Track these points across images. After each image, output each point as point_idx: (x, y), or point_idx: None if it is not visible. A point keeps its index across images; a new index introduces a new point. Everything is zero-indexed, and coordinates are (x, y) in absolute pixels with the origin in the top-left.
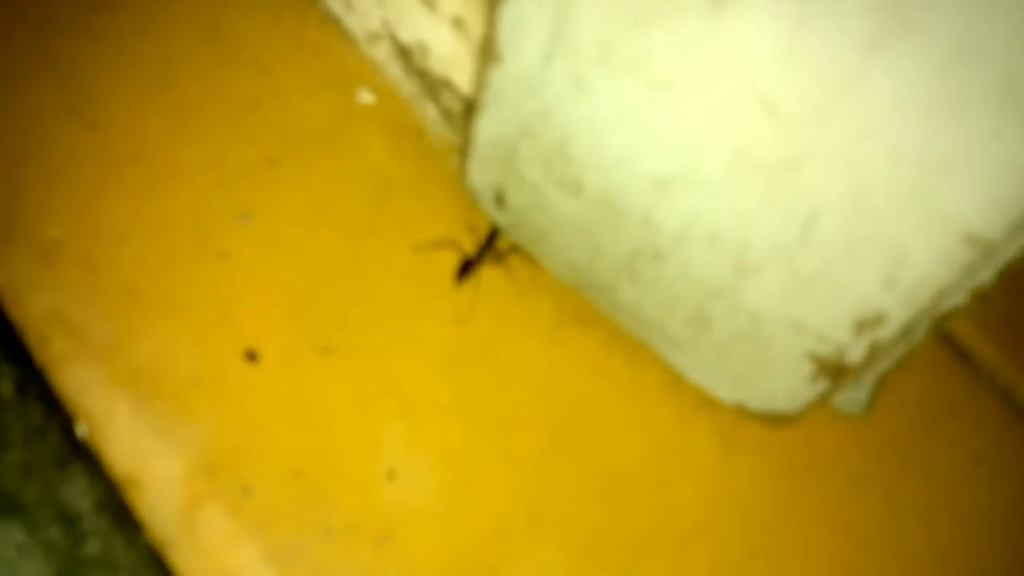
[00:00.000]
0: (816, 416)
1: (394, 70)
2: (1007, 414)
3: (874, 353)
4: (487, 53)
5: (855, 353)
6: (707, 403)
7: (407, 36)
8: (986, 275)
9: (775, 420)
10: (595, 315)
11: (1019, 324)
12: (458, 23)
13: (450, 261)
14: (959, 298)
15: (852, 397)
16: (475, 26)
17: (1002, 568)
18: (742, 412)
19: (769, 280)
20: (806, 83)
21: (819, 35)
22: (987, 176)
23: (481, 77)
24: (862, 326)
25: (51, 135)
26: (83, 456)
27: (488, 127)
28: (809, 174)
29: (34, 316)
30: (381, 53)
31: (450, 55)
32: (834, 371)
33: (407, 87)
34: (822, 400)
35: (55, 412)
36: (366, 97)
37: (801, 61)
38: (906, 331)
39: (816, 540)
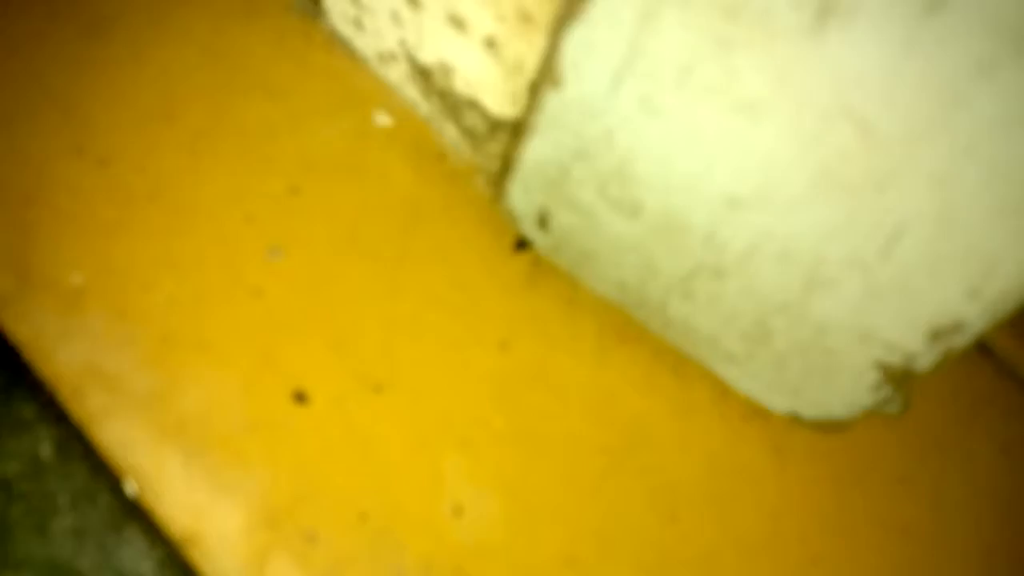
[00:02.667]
0: (861, 420)
1: (410, 91)
2: None
3: (945, 360)
4: (545, 77)
5: (925, 360)
6: (756, 413)
7: (428, 57)
8: None
9: (828, 427)
10: (638, 332)
11: None
12: (490, 44)
13: (487, 286)
14: None
15: (893, 399)
16: (510, 48)
17: None
18: (794, 421)
19: (842, 293)
20: (907, 104)
21: (928, 58)
22: None
23: (533, 100)
24: (938, 335)
25: (59, 174)
26: (137, 516)
27: (538, 150)
28: (898, 192)
29: (66, 370)
30: (396, 74)
31: (478, 76)
32: (899, 378)
33: (425, 108)
34: (874, 406)
35: (101, 471)
36: (383, 119)
37: (905, 84)
38: (976, 338)
39: (873, 542)
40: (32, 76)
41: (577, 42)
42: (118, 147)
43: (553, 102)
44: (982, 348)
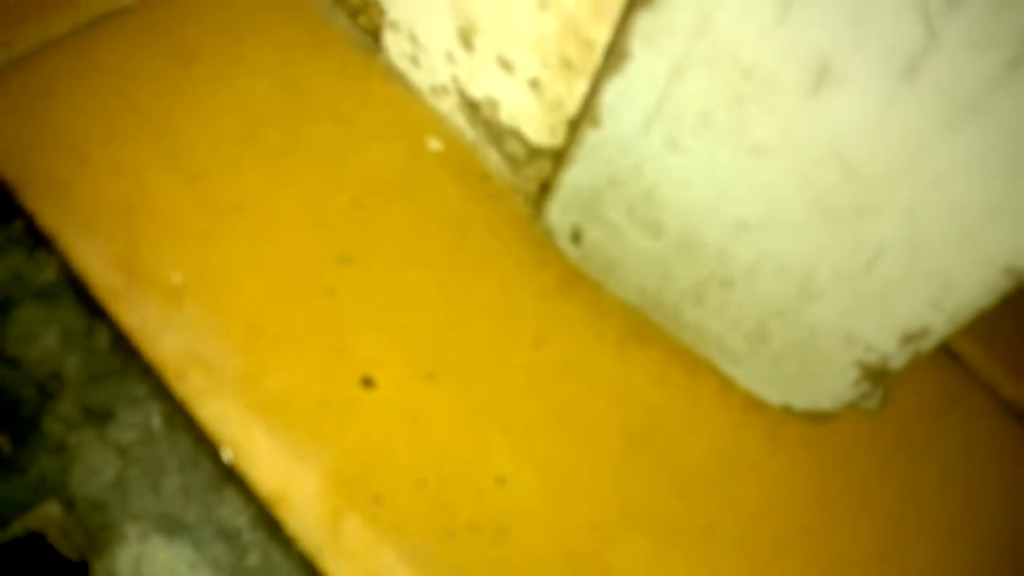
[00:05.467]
0: (843, 413)
1: (459, 120)
2: (992, 405)
3: (915, 360)
4: (585, 116)
5: (898, 360)
6: (755, 406)
7: (476, 92)
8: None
9: (816, 418)
10: (655, 333)
11: (1000, 327)
12: (534, 84)
13: (524, 291)
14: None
15: (871, 395)
16: (552, 88)
17: (1005, 535)
18: (788, 412)
19: (830, 302)
20: (885, 152)
21: (902, 116)
22: None
23: (572, 135)
24: (909, 339)
25: (157, 187)
26: (232, 479)
27: (576, 177)
28: (877, 220)
29: (169, 355)
30: (446, 105)
31: (521, 110)
32: (876, 375)
33: (471, 135)
34: (855, 400)
35: (202, 441)
36: (434, 144)
37: (883, 135)
38: (941, 342)
39: (852, 517)
40: (130, 101)
41: (616, 90)
42: (206, 163)
43: (591, 138)
44: (951, 354)
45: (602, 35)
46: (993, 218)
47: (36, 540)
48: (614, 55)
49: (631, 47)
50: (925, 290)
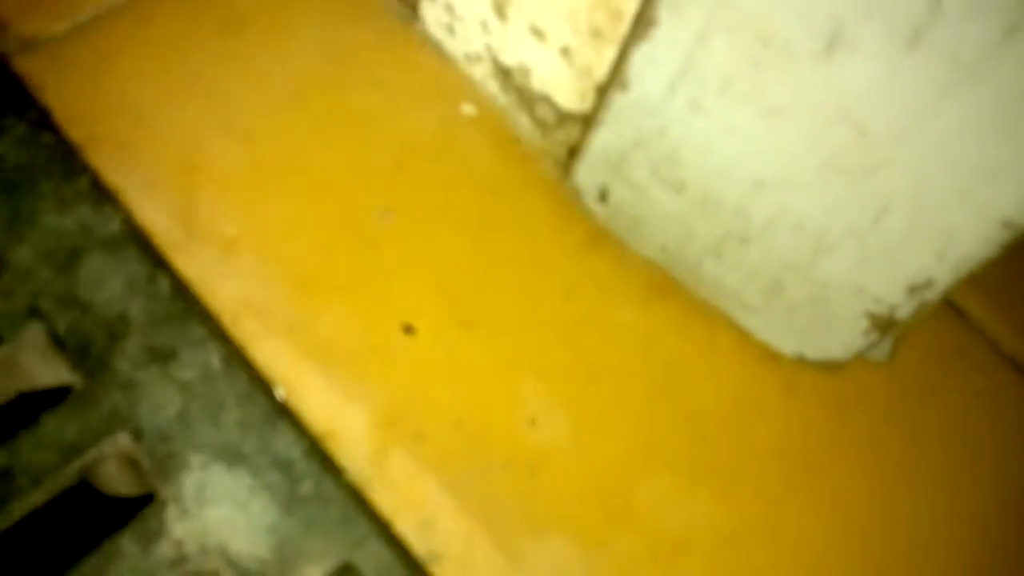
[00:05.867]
0: (853, 364)
1: (492, 86)
2: (996, 359)
3: (920, 310)
4: (613, 81)
5: (905, 311)
6: (771, 356)
7: (509, 59)
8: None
9: (828, 367)
10: (677, 287)
11: (1003, 285)
12: (565, 52)
13: (554, 247)
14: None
15: (880, 347)
16: (582, 55)
17: (1002, 480)
18: (801, 362)
19: (842, 256)
20: (893, 113)
21: (907, 81)
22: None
23: (600, 99)
24: (914, 290)
25: (211, 148)
26: (286, 415)
27: (604, 139)
28: (884, 178)
29: (226, 302)
30: (480, 72)
31: (552, 77)
32: (885, 325)
33: (503, 100)
34: (864, 350)
35: (257, 379)
36: (468, 109)
37: (890, 98)
38: (945, 293)
39: (860, 461)
40: (184, 66)
41: (643, 56)
42: (256, 126)
43: (619, 102)
44: (957, 311)
45: (630, 6)
46: (990, 175)
47: (87, 487)
48: (642, 23)
49: (659, 15)
50: (929, 243)
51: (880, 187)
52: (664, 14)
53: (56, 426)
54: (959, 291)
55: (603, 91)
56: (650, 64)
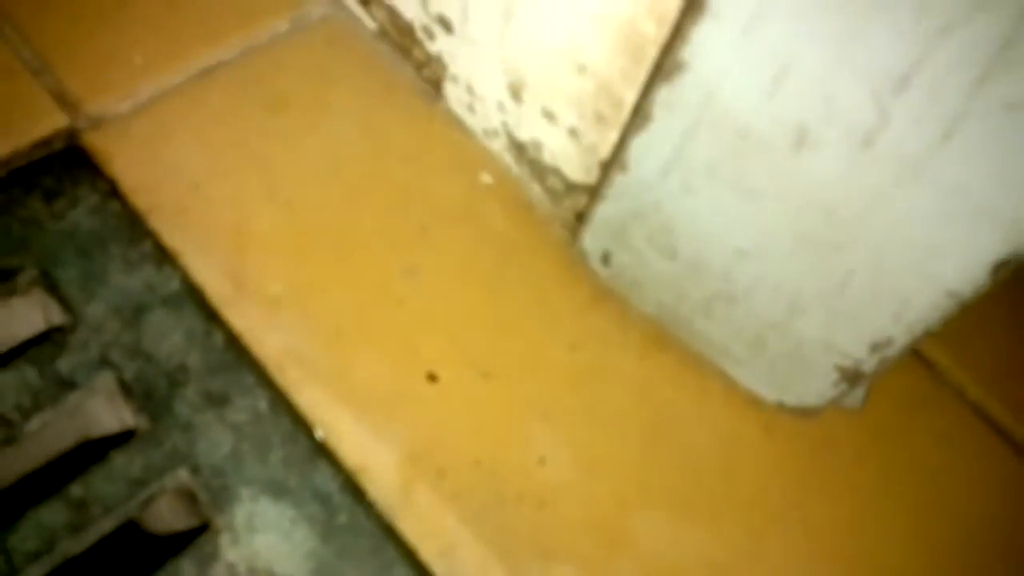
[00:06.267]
0: (830, 410)
1: (507, 158)
2: (960, 405)
3: (882, 365)
4: (614, 162)
5: (869, 365)
6: (755, 402)
7: (523, 135)
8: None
9: (805, 413)
10: (672, 341)
11: (967, 338)
12: (573, 132)
13: (562, 303)
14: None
15: (854, 395)
16: (587, 136)
17: (960, 516)
18: (781, 408)
19: (814, 316)
20: (854, 198)
21: (864, 173)
22: (963, 258)
23: (604, 176)
24: (876, 347)
25: (259, 214)
26: (324, 453)
27: (606, 211)
28: (849, 252)
29: (271, 352)
30: (497, 145)
31: (561, 152)
32: (852, 377)
33: (517, 171)
34: (837, 398)
35: (299, 422)
36: (487, 178)
37: (852, 185)
38: (904, 350)
39: (834, 498)
40: (234, 141)
41: (640, 144)
42: (299, 195)
43: (619, 180)
44: (925, 360)
45: (630, 96)
46: (935, 253)
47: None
48: (639, 116)
49: (653, 112)
50: (887, 307)
51: (845, 260)
52: (657, 112)
53: (124, 462)
54: (927, 344)
55: (606, 168)
56: (646, 151)
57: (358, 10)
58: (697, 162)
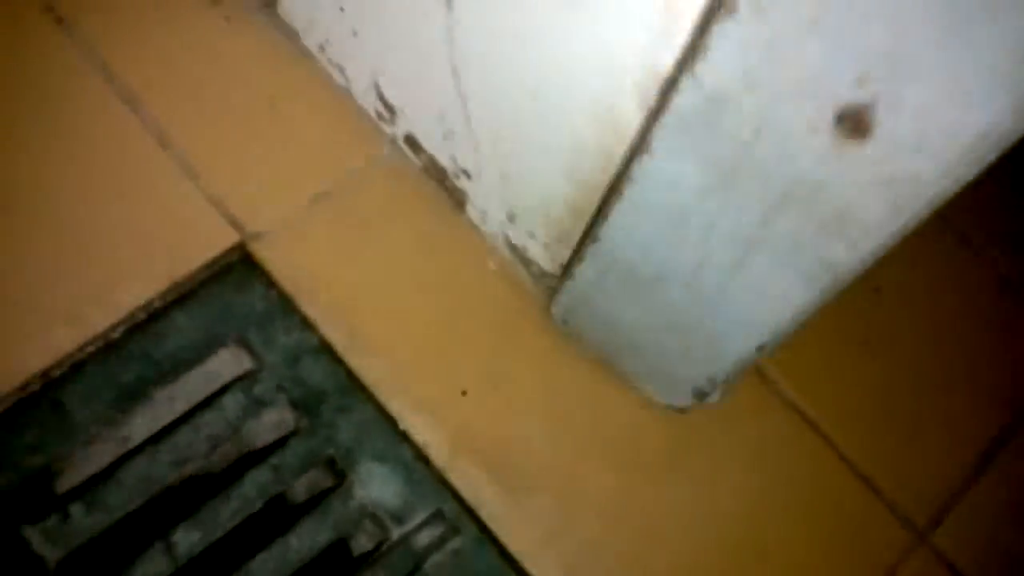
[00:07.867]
0: (696, 408)
1: (506, 252)
2: (791, 416)
3: (727, 382)
4: (566, 274)
5: (709, 387)
6: (648, 401)
7: (516, 241)
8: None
9: (680, 410)
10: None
11: (800, 355)
12: (546, 246)
13: (531, 343)
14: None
15: (711, 397)
16: (553, 247)
17: (793, 517)
18: (668, 406)
19: (674, 352)
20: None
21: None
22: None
23: (560, 286)
24: (711, 379)
25: (363, 296)
26: (407, 441)
27: (563, 299)
28: (690, 314)
29: (369, 379)
30: (499, 243)
31: (538, 254)
32: (700, 395)
33: (512, 260)
34: (699, 401)
35: (390, 421)
36: (491, 265)
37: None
38: (729, 381)
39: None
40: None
41: (580, 272)
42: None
43: (568, 285)
44: (760, 374)
45: (576, 234)
46: (748, 327)
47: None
48: (578, 253)
49: (585, 255)
50: (706, 355)
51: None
52: (587, 255)
53: (293, 447)
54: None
55: (565, 268)
56: (585, 274)
57: (409, 153)
58: (625, 279)
